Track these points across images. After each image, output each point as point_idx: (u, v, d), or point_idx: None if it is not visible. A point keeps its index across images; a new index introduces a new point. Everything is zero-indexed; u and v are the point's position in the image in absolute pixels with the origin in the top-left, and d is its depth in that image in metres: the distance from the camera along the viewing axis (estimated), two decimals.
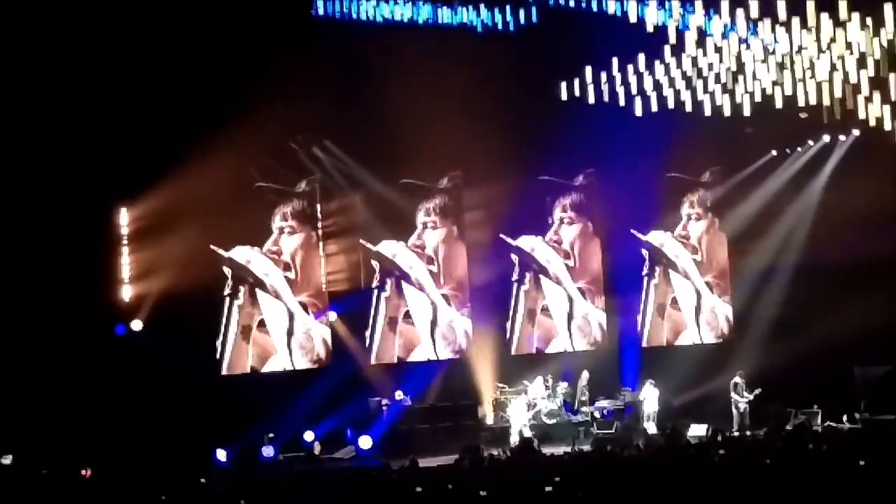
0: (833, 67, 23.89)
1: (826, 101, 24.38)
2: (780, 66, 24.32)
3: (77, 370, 25.53)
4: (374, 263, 30.28)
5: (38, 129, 25.33)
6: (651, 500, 13.71)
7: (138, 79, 25.59)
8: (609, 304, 32.48)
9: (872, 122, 24.65)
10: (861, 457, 16.56)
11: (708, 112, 25.75)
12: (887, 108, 24.35)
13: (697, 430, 26.99)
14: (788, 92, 24.50)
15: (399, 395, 29.10)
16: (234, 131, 25.77)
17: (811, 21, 22.69)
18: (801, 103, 24.71)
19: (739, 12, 23.15)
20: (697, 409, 29.72)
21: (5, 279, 25.61)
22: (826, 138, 32.28)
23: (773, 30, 23.57)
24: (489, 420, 29.40)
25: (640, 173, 31.77)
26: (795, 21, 22.83)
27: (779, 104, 24.93)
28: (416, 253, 30.74)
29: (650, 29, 24.00)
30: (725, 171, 33.20)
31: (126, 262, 27.72)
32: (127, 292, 27.61)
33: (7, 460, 24.05)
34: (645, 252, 32.99)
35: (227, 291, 28.74)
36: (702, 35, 24.15)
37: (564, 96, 26.21)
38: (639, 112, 25.87)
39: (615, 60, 25.54)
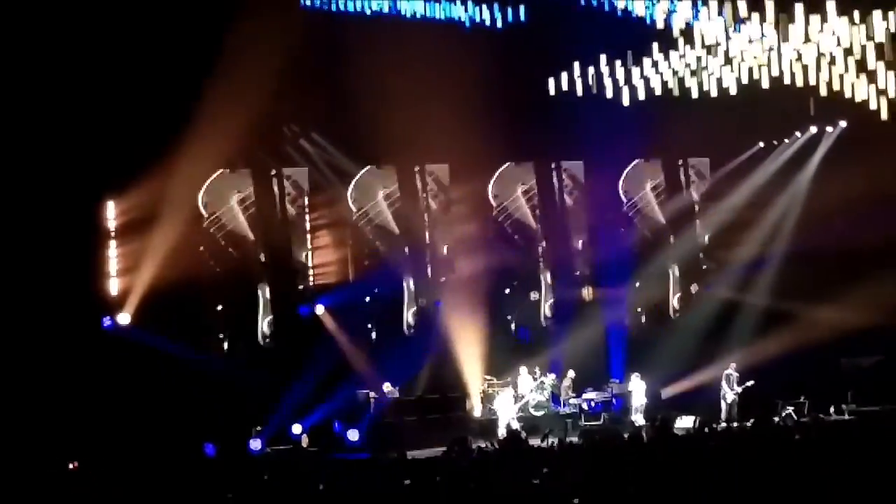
0: (820, 54, 23.97)
1: (813, 80, 24.43)
2: (768, 51, 24.39)
3: (64, 363, 25.46)
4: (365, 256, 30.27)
5: (24, 122, 25.24)
6: (639, 491, 13.70)
7: (124, 71, 25.50)
8: (597, 295, 32.48)
9: (860, 99, 24.68)
10: (848, 448, 16.58)
11: (696, 94, 25.74)
12: (873, 88, 24.40)
13: (685, 423, 27.03)
14: (776, 73, 24.55)
15: (387, 387, 29.08)
16: (221, 123, 25.72)
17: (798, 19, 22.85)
18: (788, 82, 24.75)
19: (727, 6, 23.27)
20: (685, 401, 29.75)
21: None
22: (813, 130, 32.33)
23: (761, 23, 23.66)
24: (477, 412, 29.39)
25: (628, 163, 31.91)
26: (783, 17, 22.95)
27: (765, 85, 24.95)
28: (407, 244, 30.73)
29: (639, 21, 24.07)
30: (713, 162, 33.20)
31: (113, 256, 27.65)
32: (114, 285, 27.56)
33: None
34: (632, 241, 32.97)
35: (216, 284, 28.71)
36: (689, 27, 24.22)
37: (553, 91, 26.28)
38: (626, 101, 25.91)
39: (603, 57, 25.61)
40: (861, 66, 24.04)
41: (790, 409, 28.01)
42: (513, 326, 31.89)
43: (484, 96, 27.82)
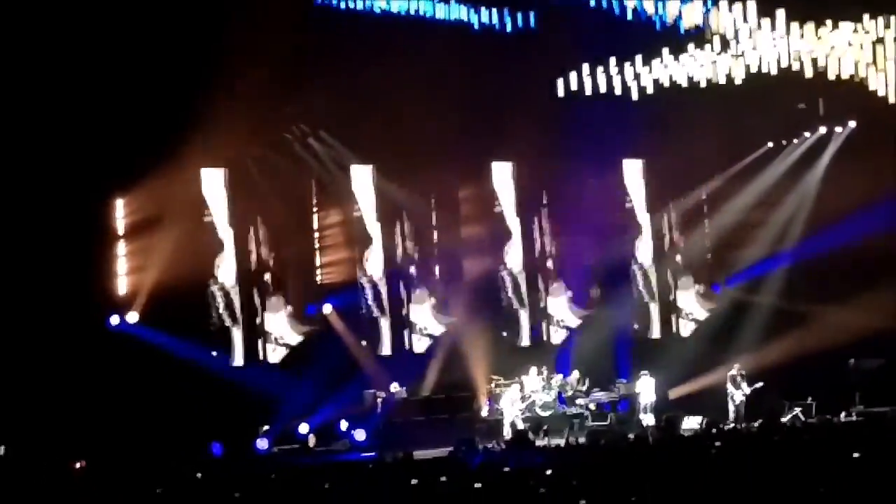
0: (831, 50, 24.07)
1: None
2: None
3: (72, 362, 25.45)
4: (370, 255, 30.25)
5: (32, 118, 25.26)
6: (643, 492, 13.69)
7: (131, 69, 25.51)
8: (603, 295, 32.46)
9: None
10: (855, 449, 16.56)
11: (703, 83, 25.75)
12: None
13: (692, 423, 27.00)
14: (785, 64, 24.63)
15: (394, 387, 29.08)
16: (228, 121, 25.72)
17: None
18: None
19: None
20: (693, 401, 29.71)
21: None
22: (822, 130, 32.29)
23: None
24: (484, 412, 29.37)
25: (635, 164, 31.95)
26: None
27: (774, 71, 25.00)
28: (413, 244, 30.72)
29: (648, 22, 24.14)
30: (722, 162, 33.14)
31: (122, 254, 27.65)
32: (122, 284, 27.56)
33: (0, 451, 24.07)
34: (638, 242, 32.95)
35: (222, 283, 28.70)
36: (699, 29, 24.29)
37: (561, 93, 26.34)
38: (635, 96, 25.94)
39: (612, 59, 25.66)
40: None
41: (797, 411, 27.95)
42: (523, 326, 31.80)
43: (491, 96, 27.87)
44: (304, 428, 27.74)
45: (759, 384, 28.88)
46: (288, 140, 29.22)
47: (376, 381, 29.29)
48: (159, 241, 27.11)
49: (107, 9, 24.97)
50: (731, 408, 29.00)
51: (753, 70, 25.80)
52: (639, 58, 26.08)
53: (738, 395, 29.01)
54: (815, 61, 24.64)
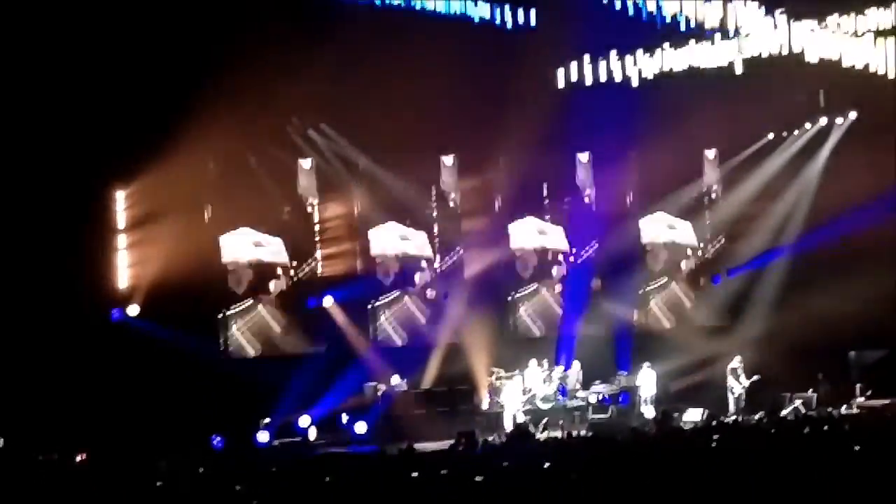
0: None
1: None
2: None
3: (73, 355, 25.44)
4: (373, 248, 30.26)
5: (32, 111, 25.25)
6: (643, 484, 13.68)
7: (132, 61, 25.50)
8: (605, 287, 32.47)
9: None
10: (856, 441, 16.58)
11: (707, 64, 25.78)
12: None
13: (693, 416, 27.01)
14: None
15: (395, 379, 29.09)
16: (229, 113, 25.70)
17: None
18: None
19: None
20: (695, 393, 29.71)
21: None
22: (823, 121, 32.26)
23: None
24: (485, 405, 29.37)
25: (636, 156, 31.93)
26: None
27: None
28: (414, 236, 30.73)
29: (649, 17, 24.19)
30: (723, 153, 33.11)
31: (122, 247, 27.65)
32: (123, 277, 27.56)
33: None
34: (640, 234, 32.93)
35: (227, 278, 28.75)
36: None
37: (562, 84, 26.35)
38: (635, 82, 25.96)
39: (613, 52, 25.70)
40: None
41: (798, 403, 27.96)
42: (524, 318, 31.79)
43: (492, 88, 27.85)
44: (304, 421, 27.73)
45: (756, 377, 28.90)
46: (288, 132, 29.19)
47: (377, 374, 29.31)
48: (160, 234, 27.10)
49: (105, 1, 24.94)
50: (731, 400, 29.02)
51: (754, 60, 25.82)
52: (639, 51, 26.11)
53: (737, 387, 29.03)
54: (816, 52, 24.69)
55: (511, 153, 31.01)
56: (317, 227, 29.95)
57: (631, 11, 26.05)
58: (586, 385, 29.58)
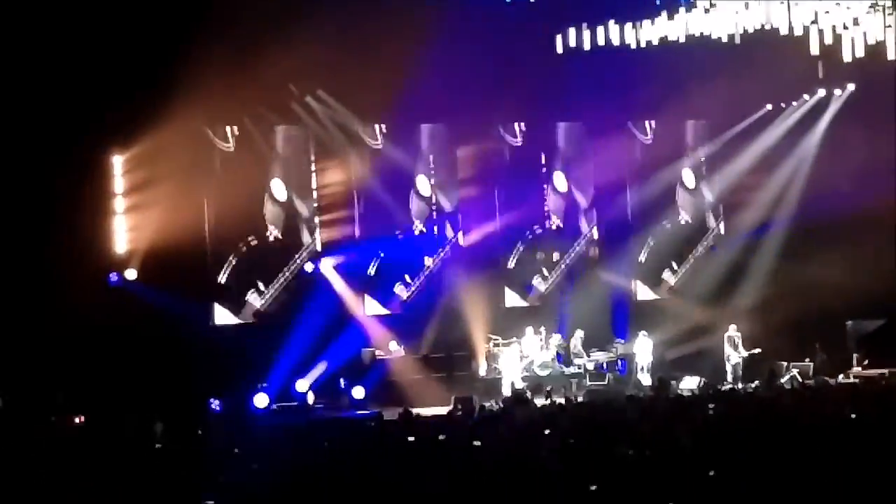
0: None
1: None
2: None
3: (71, 318, 25.43)
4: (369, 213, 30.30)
5: (29, 74, 25.20)
6: (636, 451, 13.73)
7: (130, 27, 25.43)
8: (602, 255, 32.48)
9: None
10: (852, 410, 16.64)
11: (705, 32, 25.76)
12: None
13: (690, 383, 27.11)
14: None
15: (393, 345, 29.15)
16: (226, 78, 25.66)
17: None
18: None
19: None
20: (692, 362, 29.79)
21: None
22: (821, 92, 32.21)
23: None
24: (482, 371, 29.45)
25: (634, 123, 31.95)
26: None
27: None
28: (412, 205, 30.74)
29: None
30: (720, 124, 33.04)
31: (120, 210, 27.64)
32: (121, 241, 27.56)
33: None
34: (637, 201, 32.90)
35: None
36: None
37: (560, 49, 26.31)
38: (637, 45, 25.95)
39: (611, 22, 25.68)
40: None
41: (795, 372, 28.04)
42: (521, 286, 31.79)
43: (489, 55, 27.80)
44: (302, 385, 27.79)
45: (757, 350, 28.97)
46: (286, 99, 29.14)
47: (375, 340, 29.37)
48: (158, 199, 27.08)
49: None
50: (729, 369, 29.11)
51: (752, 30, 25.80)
52: (636, 20, 26.07)
53: (734, 356, 29.11)
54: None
55: (507, 120, 31.03)
56: (315, 194, 29.91)
57: None
58: (584, 353, 29.70)
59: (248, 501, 12.95)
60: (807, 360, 28.87)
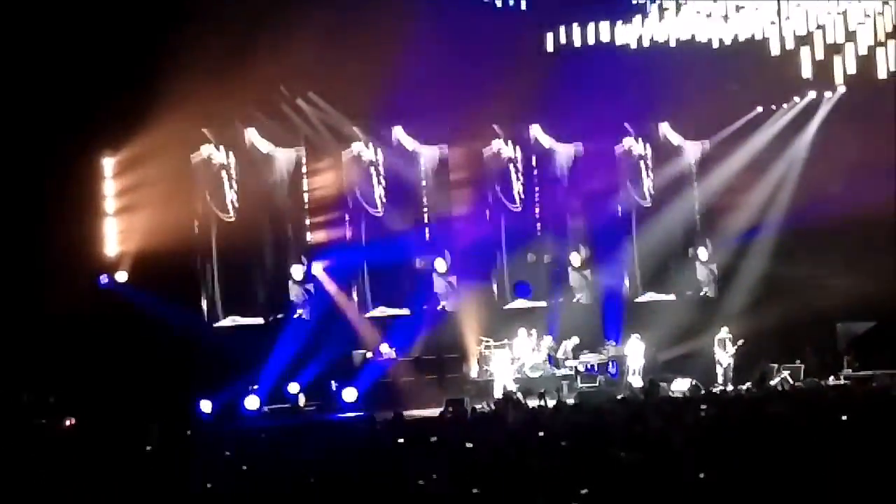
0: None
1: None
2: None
3: (62, 320, 25.39)
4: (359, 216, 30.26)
5: (19, 76, 25.18)
6: (627, 453, 13.74)
7: (123, 30, 25.42)
8: (592, 258, 32.47)
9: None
10: (843, 412, 16.65)
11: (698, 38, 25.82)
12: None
13: (681, 385, 27.12)
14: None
15: (385, 348, 29.13)
16: (217, 81, 25.63)
17: None
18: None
19: None
20: (684, 364, 29.80)
21: None
22: (812, 94, 32.25)
23: None
24: (473, 373, 29.44)
25: (624, 126, 31.97)
26: None
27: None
28: (404, 207, 30.73)
29: None
30: (711, 127, 33.05)
31: (111, 212, 27.63)
32: (112, 243, 27.53)
33: None
34: (628, 204, 32.90)
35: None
36: None
37: (551, 48, 26.35)
38: (627, 47, 25.99)
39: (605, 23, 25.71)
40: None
41: (786, 374, 28.07)
42: (513, 288, 31.76)
43: (479, 58, 27.80)
44: (293, 387, 27.78)
45: (741, 342, 28.98)
46: (278, 101, 29.13)
47: (367, 342, 29.37)
48: (149, 201, 27.07)
49: None
50: (720, 371, 29.14)
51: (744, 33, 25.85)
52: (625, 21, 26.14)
53: (725, 358, 29.13)
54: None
55: (499, 123, 31.06)
56: (306, 196, 29.90)
57: None
58: (576, 355, 29.73)
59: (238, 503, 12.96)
60: (797, 362, 28.90)
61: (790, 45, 25.70)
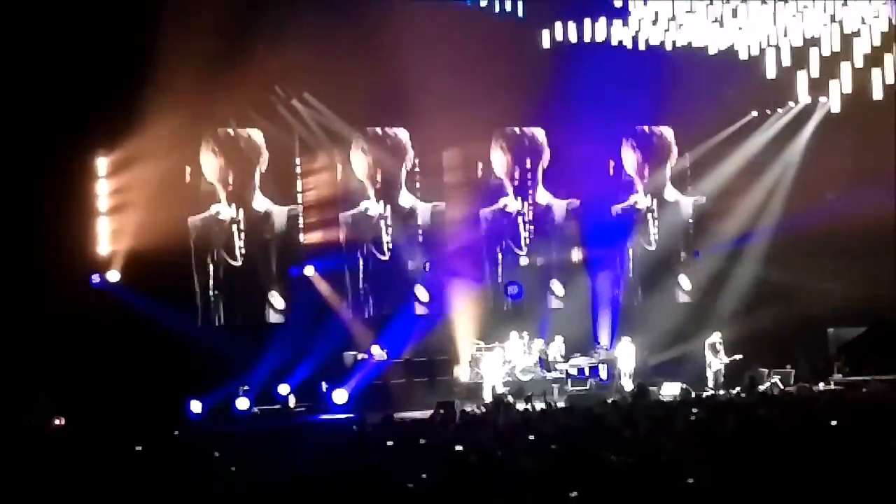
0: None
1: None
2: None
3: (53, 320, 25.39)
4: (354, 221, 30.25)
5: (12, 74, 25.18)
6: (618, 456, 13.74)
7: (117, 29, 25.42)
8: (585, 260, 32.46)
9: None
10: (833, 417, 16.65)
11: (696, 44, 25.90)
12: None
13: (670, 389, 27.10)
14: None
15: (376, 350, 29.09)
16: (212, 82, 25.65)
17: None
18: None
19: None
20: (674, 368, 29.80)
21: None
22: (807, 99, 32.24)
23: None
24: (464, 376, 29.41)
25: (620, 129, 31.97)
26: None
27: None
28: (398, 210, 30.71)
29: None
30: (705, 131, 33.04)
31: (103, 211, 27.61)
32: (104, 242, 27.52)
33: None
34: (623, 208, 32.90)
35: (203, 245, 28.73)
36: None
37: (547, 44, 26.42)
38: (634, 46, 26.08)
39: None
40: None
41: (776, 379, 28.07)
42: (501, 285, 31.74)
43: (475, 60, 27.81)
44: (284, 388, 27.75)
45: (738, 357, 28.96)
46: (272, 101, 29.12)
47: (357, 343, 29.34)
48: (142, 201, 27.06)
49: None
50: (710, 375, 29.12)
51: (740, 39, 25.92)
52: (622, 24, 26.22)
53: (716, 362, 29.11)
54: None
55: (495, 125, 31.05)
56: (300, 197, 29.88)
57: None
58: (566, 358, 29.71)
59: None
60: (788, 367, 28.89)
61: (786, 62, 25.85)
